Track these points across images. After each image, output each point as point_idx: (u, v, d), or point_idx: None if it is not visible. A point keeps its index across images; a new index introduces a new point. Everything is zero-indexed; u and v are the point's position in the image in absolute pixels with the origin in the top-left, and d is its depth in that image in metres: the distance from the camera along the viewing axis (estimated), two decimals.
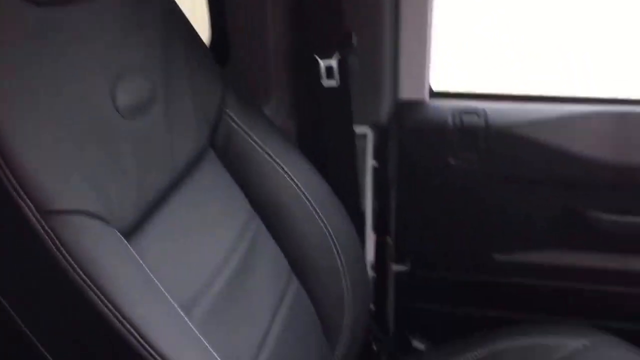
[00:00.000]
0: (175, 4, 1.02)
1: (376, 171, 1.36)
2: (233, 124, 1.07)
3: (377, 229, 1.41)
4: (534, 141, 1.28)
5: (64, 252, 0.68)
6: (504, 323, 1.27)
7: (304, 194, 1.11)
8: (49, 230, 0.68)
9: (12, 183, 0.68)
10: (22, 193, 0.68)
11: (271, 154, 1.09)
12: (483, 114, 1.29)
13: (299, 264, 1.11)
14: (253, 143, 1.08)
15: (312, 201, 1.12)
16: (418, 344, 1.36)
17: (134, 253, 0.74)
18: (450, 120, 1.30)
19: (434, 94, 1.35)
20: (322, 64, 1.19)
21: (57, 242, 0.68)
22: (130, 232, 0.80)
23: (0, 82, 0.70)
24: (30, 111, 0.72)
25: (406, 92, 1.32)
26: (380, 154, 1.35)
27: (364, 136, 1.31)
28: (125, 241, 0.75)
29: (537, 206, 1.33)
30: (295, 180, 1.11)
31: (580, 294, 1.36)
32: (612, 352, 1.16)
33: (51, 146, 0.72)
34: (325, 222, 1.14)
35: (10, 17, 0.73)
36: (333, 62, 1.20)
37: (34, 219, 0.68)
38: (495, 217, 1.36)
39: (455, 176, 1.33)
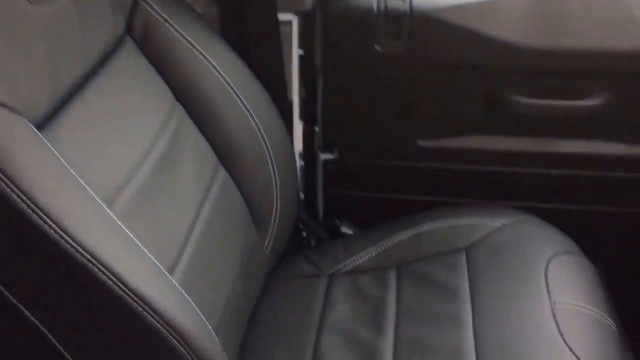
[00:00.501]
0: None
1: (302, 60, 1.35)
2: (151, 11, 1.03)
3: (304, 118, 1.41)
4: (458, 26, 1.28)
5: None
6: (429, 207, 1.32)
7: (228, 83, 1.09)
8: None
9: None
10: None
11: (193, 43, 1.07)
12: None
13: (226, 155, 1.11)
14: (174, 32, 1.05)
15: (237, 91, 1.10)
16: (347, 230, 1.40)
17: (47, 143, 0.72)
18: (375, 6, 1.29)
19: None
20: None
21: None
22: (44, 123, 0.77)
23: None
24: None
25: None
26: (306, 42, 1.33)
27: (289, 24, 1.29)
28: (38, 132, 0.72)
29: (460, 92, 1.35)
30: (219, 69, 1.09)
31: (501, 177, 1.41)
32: (530, 229, 1.22)
33: None
34: (251, 112, 1.13)
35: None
36: None
37: None
38: (420, 104, 1.37)
39: (381, 63, 1.33)
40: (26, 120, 0.72)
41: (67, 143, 0.78)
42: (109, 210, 0.75)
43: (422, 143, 1.40)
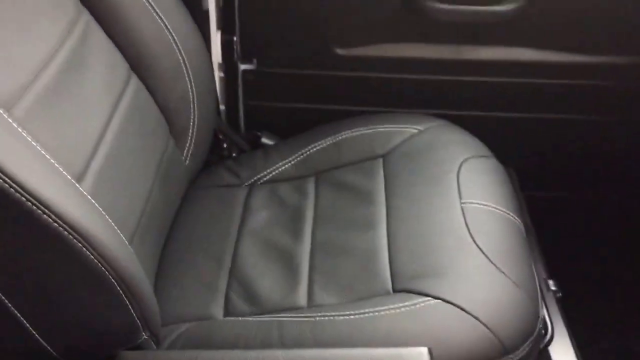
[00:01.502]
0: None
1: None
2: None
3: (222, 28, 1.38)
4: None
5: None
6: (348, 116, 1.33)
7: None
8: None
9: None
10: None
11: None
12: None
13: (138, 63, 1.09)
14: None
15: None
16: (267, 140, 1.40)
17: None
18: None
19: None
20: None
21: None
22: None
23: None
24: None
25: None
26: None
27: None
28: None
29: None
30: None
31: (418, 84, 1.42)
32: (445, 134, 1.25)
33: None
34: (164, 20, 1.10)
35: None
36: None
37: None
38: (337, 11, 1.36)
39: None
40: None
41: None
42: (3, 114, 0.73)
43: (339, 51, 1.40)
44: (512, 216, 1.11)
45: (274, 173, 1.25)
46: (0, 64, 0.80)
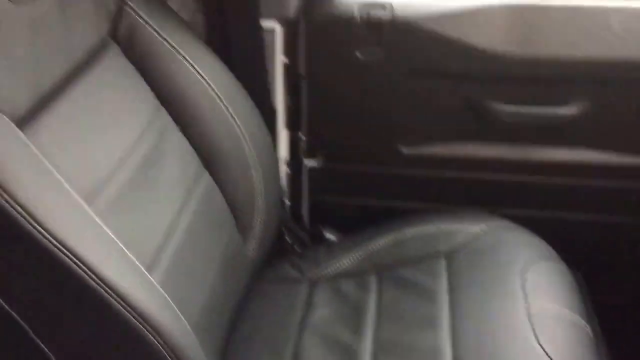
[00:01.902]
0: None
1: (286, 67, 1.37)
2: (136, 16, 1.05)
3: (289, 125, 1.43)
4: (439, 34, 1.30)
5: None
6: (411, 213, 1.33)
7: (212, 89, 1.11)
8: None
9: None
10: None
11: (178, 48, 1.08)
12: (389, 7, 1.30)
13: (209, 159, 1.12)
14: (159, 37, 1.07)
15: (221, 97, 1.12)
16: (330, 235, 1.41)
17: (26, 139, 0.73)
18: (357, 13, 1.31)
19: None
20: None
21: None
22: (24, 120, 0.79)
23: None
24: None
25: None
26: (289, 49, 1.36)
27: (272, 31, 1.31)
28: (17, 128, 0.74)
29: (441, 99, 1.37)
30: (204, 75, 1.10)
31: (481, 183, 1.43)
32: (508, 235, 1.24)
33: None
34: (235, 118, 1.14)
35: None
36: None
37: None
38: (401, 110, 1.39)
39: (363, 70, 1.35)
40: (6, 118, 0.73)
41: (47, 140, 0.80)
42: (87, 207, 0.76)
43: (404, 150, 1.42)
44: (579, 321, 1.08)
45: (336, 269, 1.26)
46: (86, 158, 0.85)
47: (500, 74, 1.33)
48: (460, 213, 1.32)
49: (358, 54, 1.33)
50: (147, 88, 1.06)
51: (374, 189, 1.47)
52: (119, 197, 0.88)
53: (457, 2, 1.32)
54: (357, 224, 1.36)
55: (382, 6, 1.31)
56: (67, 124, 0.86)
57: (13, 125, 0.73)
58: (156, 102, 1.06)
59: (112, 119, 0.94)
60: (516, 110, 1.34)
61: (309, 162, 1.46)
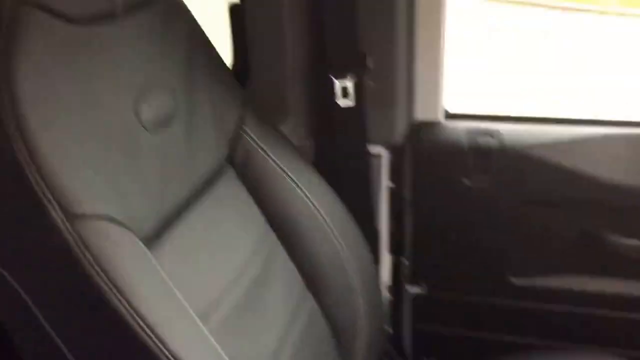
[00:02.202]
0: (198, 24, 1.05)
1: (391, 191, 1.37)
2: (252, 142, 1.09)
3: (392, 250, 1.41)
4: (549, 163, 1.28)
5: (87, 255, 0.71)
6: (520, 348, 1.26)
7: (319, 212, 1.12)
8: (74, 233, 0.71)
9: (41, 186, 0.71)
10: (50, 196, 0.71)
11: (288, 172, 1.11)
12: (498, 135, 1.30)
13: (313, 282, 1.12)
14: (271, 161, 1.10)
15: (327, 220, 1.13)
16: None
17: (152, 258, 0.77)
18: (465, 141, 1.31)
19: (449, 115, 1.36)
20: (338, 84, 1.22)
21: (81, 244, 0.71)
22: (150, 240, 0.82)
23: (34, 91, 0.73)
24: (61, 119, 0.75)
25: (421, 113, 1.33)
26: (395, 174, 1.36)
27: (379, 156, 1.32)
28: (145, 248, 0.77)
29: (553, 229, 1.32)
30: (311, 198, 1.12)
31: (597, 320, 1.34)
32: None
33: (79, 153, 0.76)
34: (340, 242, 1.14)
35: (43, 32, 0.76)
36: (348, 83, 1.22)
37: (60, 222, 0.71)
38: (511, 240, 1.35)
39: (471, 197, 1.33)
40: (134, 236, 0.77)
41: (169, 260, 0.83)
42: (202, 325, 0.77)
43: (514, 280, 1.36)
44: None
45: None
46: (202, 278, 0.88)
47: (614, 204, 1.28)
48: (573, 351, 1.24)
49: (465, 180, 1.32)
50: (258, 210, 1.08)
51: (480, 321, 1.41)
52: (229, 318, 0.89)
53: (566, 130, 1.30)
54: (462, 357, 1.30)
55: (490, 133, 1.30)
56: (186, 245, 0.89)
57: (142, 245, 0.77)
58: (266, 224, 1.08)
59: (225, 241, 0.97)
60: (637, 244, 1.27)
61: (412, 289, 1.42)
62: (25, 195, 0.72)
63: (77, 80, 0.79)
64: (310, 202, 1.12)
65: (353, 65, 1.22)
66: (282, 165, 1.11)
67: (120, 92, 0.84)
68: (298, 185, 1.11)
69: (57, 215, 0.71)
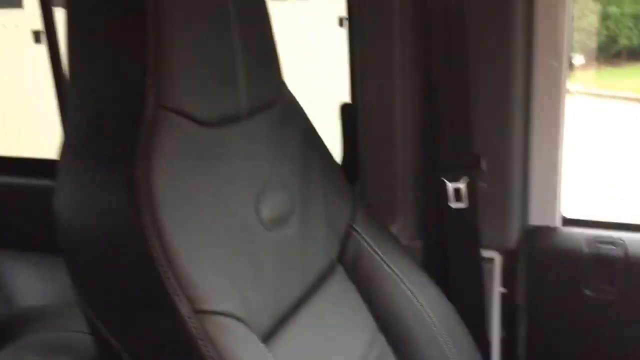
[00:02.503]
0: (312, 124, 1.08)
1: (504, 297, 1.31)
2: (362, 241, 1.09)
3: (504, 357, 1.34)
4: None
5: (212, 350, 0.74)
6: None
7: (429, 316, 1.10)
8: (200, 328, 0.74)
9: (171, 281, 0.75)
10: (179, 291, 0.74)
11: (398, 273, 1.10)
12: (622, 244, 1.23)
13: None
14: (380, 260, 1.09)
15: (436, 325, 1.10)
16: None
17: (269, 354, 0.78)
18: (584, 249, 1.24)
19: (567, 221, 1.30)
20: (450, 186, 1.20)
21: (207, 339, 0.74)
22: (265, 337, 0.84)
23: (168, 190, 0.78)
24: (191, 218, 0.79)
25: (536, 218, 1.28)
26: (508, 279, 1.31)
27: (491, 260, 1.28)
28: (264, 346, 0.79)
29: None
30: (421, 302, 1.10)
31: None
32: None
33: (206, 251, 0.79)
34: (450, 348, 1.10)
35: (179, 135, 0.81)
36: (461, 185, 1.20)
37: (187, 316, 0.74)
38: (637, 354, 1.25)
39: (590, 308, 1.25)
40: (253, 333, 0.79)
41: (282, 357, 0.84)
42: None
43: None
44: None
45: None
46: None
47: None
48: None
49: (585, 289, 1.25)
50: (367, 311, 1.07)
51: None
52: None
53: None
54: None
55: (613, 242, 1.23)
56: (299, 344, 0.90)
57: (261, 343, 0.79)
58: (375, 326, 1.07)
59: (336, 342, 0.97)
60: None
61: None
62: (155, 288, 0.75)
63: (206, 180, 0.83)
64: (420, 305, 1.10)
65: (466, 167, 1.21)
66: (392, 266, 1.10)
67: (244, 191, 0.88)
68: (407, 287, 1.10)
69: (185, 309, 0.74)
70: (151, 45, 0.78)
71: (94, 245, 0.81)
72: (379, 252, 1.10)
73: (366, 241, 1.09)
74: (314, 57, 4.63)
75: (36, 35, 4.41)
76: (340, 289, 1.05)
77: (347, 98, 1.33)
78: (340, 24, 5.25)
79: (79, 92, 0.85)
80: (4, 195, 1.68)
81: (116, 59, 0.82)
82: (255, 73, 0.92)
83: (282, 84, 1.03)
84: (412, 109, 1.25)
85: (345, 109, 1.33)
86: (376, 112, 1.27)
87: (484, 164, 1.22)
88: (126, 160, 0.78)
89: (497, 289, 1.30)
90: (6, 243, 1.66)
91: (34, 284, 1.65)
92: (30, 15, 4.45)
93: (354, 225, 1.09)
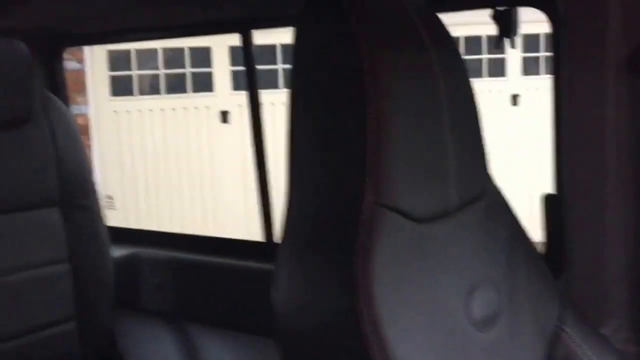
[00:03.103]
0: (519, 219, 1.04)
1: None
2: (572, 344, 1.02)
3: None
4: None
5: None
6: None
7: None
8: None
9: None
10: None
11: None
12: None
13: None
14: None
15: None
16: None
17: None
18: None
19: None
20: None
21: None
22: None
23: (385, 285, 0.78)
24: (405, 315, 0.79)
25: None
26: None
27: None
28: None
29: None
30: None
31: None
32: None
33: (418, 349, 0.78)
34: None
35: (396, 232, 0.82)
36: None
37: None
38: None
39: None
40: None
41: None
42: None
43: None
44: None
45: None
46: None
47: None
48: None
49: None
50: None
51: None
52: None
53: None
54: None
55: None
56: None
57: None
58: None
59: None
60: None
61: None
62: None
63: (418, 277, 0.82)
64: None
65: None
66: None
67: (454, 289, 0.86)
68: None
69: None
70: (372, 147, 0.80)
71: (308, 333, 0.82)
72: (592, 357, 1.02)
73: (578, 344, 1.02)
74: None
75: (223, 115, 4.70)
76: None
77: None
78: (514, 102, 5.13)
79: (299, 187, 0.88)
80: (214, 273, 1.74)
81: (336, 159, 0.85)
82: (464, 167, 0.91)
83: (488, 176, 1.01)
84: (624, 199, 1.17)
85: (549, 200, 1.27)
86: (585, 205, 1.20)
87: None
88: (345, 256, 0.79)
89: None
90: (208, 319, 1.72)
91: None
92: (220, 98, 4.77)
93: (562, 326, 1.02)
